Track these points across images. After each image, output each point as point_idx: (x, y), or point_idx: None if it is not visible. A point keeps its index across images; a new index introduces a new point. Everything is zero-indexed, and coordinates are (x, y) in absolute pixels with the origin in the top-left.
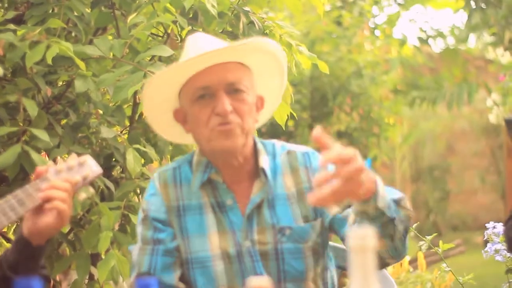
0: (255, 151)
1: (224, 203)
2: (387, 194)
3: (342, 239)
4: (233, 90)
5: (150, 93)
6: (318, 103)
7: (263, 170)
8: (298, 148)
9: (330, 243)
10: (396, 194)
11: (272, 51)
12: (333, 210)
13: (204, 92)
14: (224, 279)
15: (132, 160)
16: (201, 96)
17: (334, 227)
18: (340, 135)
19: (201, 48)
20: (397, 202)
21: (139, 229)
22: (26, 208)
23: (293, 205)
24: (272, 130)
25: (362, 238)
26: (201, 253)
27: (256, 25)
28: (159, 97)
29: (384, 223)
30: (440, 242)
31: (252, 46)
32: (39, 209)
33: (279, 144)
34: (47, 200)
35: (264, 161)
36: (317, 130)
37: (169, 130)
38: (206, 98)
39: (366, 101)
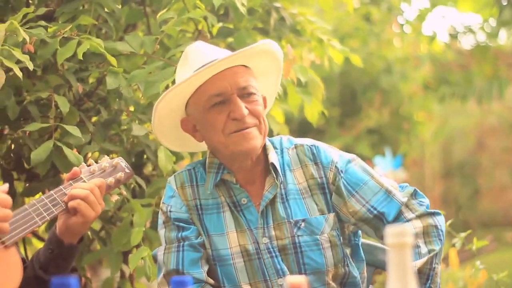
0: (264, 149)
1: (239, 202)
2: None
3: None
4: (246, 94)
5: (162, 107)
6: (347, 99)
7: (273, 165)
8: (305, 142)
9: (363, 240)
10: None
11: (274, 52)
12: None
13: (219, 99)
14: (245, 276)
15: (163, 157)
16: (217, 103)
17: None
18: (370, 132)
19: (206, 55)
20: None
21: (161, 233)
22: (60, 208)
23: (306, 199)
24: (301, 128)
25: (400, 235)
26: (221, 251)
27: (287, 21)
28: (166, 108)
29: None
30: (474, 239)
31: (257, 49)
32: (70, 208)
33: (285, 139)
34: (68, 200)
35: (273, 157)
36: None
37: (173, 140)
38: (220, 104)
39: (396, 97)
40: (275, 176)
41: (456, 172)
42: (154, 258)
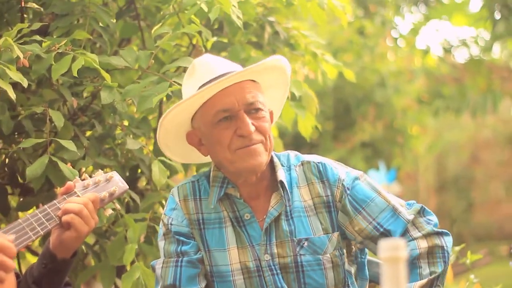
0: (272, 165)
1: (242, 218)
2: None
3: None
4: (253, 110)
5: (167, 120)
6: (341, 113)
7: (281, 183)
8: (312, 158)
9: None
10: (414, 278)
11: (283, 66)
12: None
13: (226, 114)
14: None
15: (157, 171)
16: (223, 118)
17: (368, 245)
18: (363, 145)
19: (214, 70)
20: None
21: (161, 244)
22: (54, 223)
23: (311, 217)
24: (295, 142)
25: (393, 249)
26: (221, 267)
27: (281, 35)
28: (174, 122)
29: None
30: (468, 253)
31: (267, 65)
32: (63, 223)
33: (293, 155)
34: (62, 214)
35: (281, 175)
36: None
37: (182, 153)
38: (227, 120)
39: (390, 111)
40: (282, 194)
41: (450, 186)
42: (153, 269)
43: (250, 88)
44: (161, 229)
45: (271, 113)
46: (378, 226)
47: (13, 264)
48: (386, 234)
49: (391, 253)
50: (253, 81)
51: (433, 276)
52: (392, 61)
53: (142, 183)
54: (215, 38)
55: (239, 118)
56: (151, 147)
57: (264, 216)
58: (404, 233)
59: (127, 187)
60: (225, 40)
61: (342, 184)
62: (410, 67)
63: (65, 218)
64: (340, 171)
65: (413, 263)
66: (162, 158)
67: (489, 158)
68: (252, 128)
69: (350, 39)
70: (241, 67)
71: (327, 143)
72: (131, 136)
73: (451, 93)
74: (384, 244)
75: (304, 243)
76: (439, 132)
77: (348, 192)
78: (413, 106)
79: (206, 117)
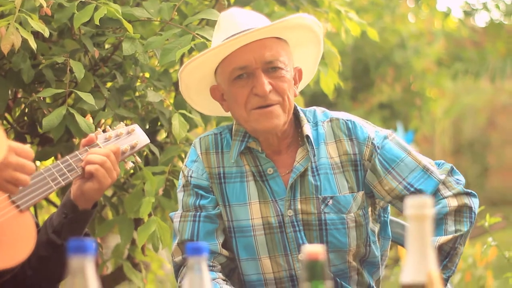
0: (297, 120)
1: (265, 172)
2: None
3: None
4: (271, 68)
5: (187, 74)
6: (360, 73)
7: (308, 138)
8: (341, 116)
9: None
10: (439, 233)
11: (309, 25)
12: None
13: (242, 72)
14: (265, 249)
15: (177, 125)
16: (239, 76)
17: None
18: (381, 106)
19: (238, 25)
20: (452, 253)
21: (180, 196)
22: (75, 174)
23: (337, 175)
24: (313, 100)
25: (420, 207)
26: (242, 222)
27: None
28: (196, 76)
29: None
30: (487, 215)
31: (290, 23)
32: (86, 174)
33: (320, 111)
34: (85, 165)
35: (307, 129)
36: None
37: (208, 105)
38: (244, 78)
39: (409, 72)
40: (309, 149)
41: (466, 150)
42: (171, 220)
43: (271, 46)
44: (180, 180)
45: (299, 71)
46: (409, 186)
47: (33, 165)
48: (417, 193)
49: (417, 211)
50: (278, 38)
51: (457, 234)
52: (413, 23)
53: (161, 136)
54: None
55: (255, 76)
56: (171, 100)
57: (288, 171)
58: (435, 193)
59: (149, 140)
60: None
61: (372, 143)
62: (431, 29)
63: (88, 168)
64: (370, 129)
65: (440, 220)
66: (183, 111)
67: (506, 123)
68: (268, 88)
69: (371, 0)
70: (268, 21)
71: (345, 103)
72: (151, 88)
73: (471, 56)
74: (410, 201)
75: (329, 201)
76: (457, 96)
77: (378, 151)
78: (432, 68)
79: (225, 74)
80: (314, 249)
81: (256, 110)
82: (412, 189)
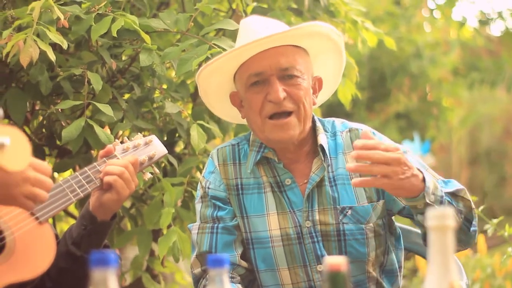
0: (314, 130)
1: (283, 183)
2: (440, 187)
3: (417, 224)
4: (287, 76)
5: (204, 79)
6: (376, 83)
7: (321, 148)
8: (360, 126)
9: (398, 224)
10: (454, 186)
11: (326, 33)
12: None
13: (257, 79)
14: (284, 260)
15: (196, 136)
16: (255, 82)
17: (407, 213)
18: (398, 116)
19: (255, 32)
20: (454, 194)
21: (197, 207)
22: (94, 185)
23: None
24: (328, 111)
25: (441, 218)
26: (260, 233)
27: (321, 2)
28: (214, 81)
29: None
30: (506, 225)
31: (305, 30)
32: (105, 185)
33: (339, 122)
34: (103, 176)
35: (323, 139)
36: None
37: (228, 112)
38: (259, 84)
39: (425, 82)
40: (322, 159)
41: (483, 159)
42: (190, 231)
43: (288, 53)
44: (198, 191)
45: (319, 80)
46: None
47: (51, 181)
48: None
49: (439, 222)
50: (296, 46)
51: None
52: (429, 32)
53: (179, 147)
54: (255, 4)
55: (270, 83)
56: (189, 111)
57: (305, 181)
58: None
59: (166, 151)
60: (265, 6)
61: None
62: (446, 39)
63: (106, 179)
64: (387, 141)
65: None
66: (201, 122)
67: None
68: (282, 95)
69: (387, 9)
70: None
71: (361, 113)
72: (169, 99)
73: (487, 66)
74: (432, 213)
75: (347, 212)
76: (473, 105)
77: None
78: (448, 78)
79: (242, 80)
80: (336, 260)
81: (271, 120)
82: None
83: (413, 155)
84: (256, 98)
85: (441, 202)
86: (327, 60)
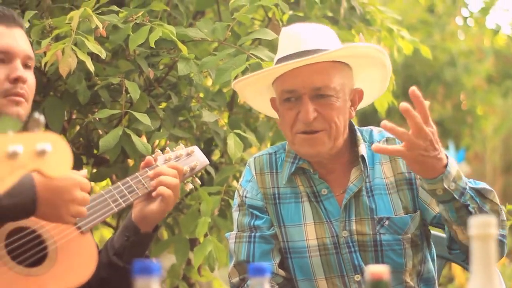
0: (352, 139)
1: (319, 193)
2: (465, 180)
3: (445, 225)
4: (319, 95)
5: (241, 88)
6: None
7: (362, 158)
8: None
9: (434, 232)
10: (483, 185)
11: (367, 53)
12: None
13: (290, 95)
14: (321, 270)
15: (233, 145)
16: (287, 98)
17: (437, 222)
18: None
19: (298, 43)
20: (482, 194)
21: (235, 215)
22: (136, 195)
23: (392, 195)
24: (362, 119)
25: (484, 227)
26: (297, 243)
27: (357, 10)
28: (251, 89)
29: (457, 208)
30: None
31: (350, 52)
32: (147, 196)
33: (376, 131)
34: (156, 186)
35: (363, 149)
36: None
37: (268, 107)
38: (292, 101)
39: (459, 90)
40: (363, 169)
41: None
42: (227, 240)
43: (323, 71)
44: (236, 200)
45: (359, 93)
46: None
47: (89, 198)
48: None
49: (482, 230)
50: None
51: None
52: (462, 40)
53: (216, 156)
54: (291, 12)
55: (302, 102)
56: (225, 120)
57: (342, 191)
58: None
59: (208, 162)
60: (301, 14)
61: None
62: (480, 47)
63: (161, 190)
64: None
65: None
66: (238, 131)
67: None
68: (312, 116)
69: (420, 18)
70: (334, 38)
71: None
72: (206, 108)
73: None
74: (474, 221)
75: (384, 222)
76: (507, 113)
77: None
78: (482, 86)
79: (277, 92)
80: (378, 269)
81: (301, 134)
82: None
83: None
84: (288, 114)
85: (462, 194)
86: (369, 70)
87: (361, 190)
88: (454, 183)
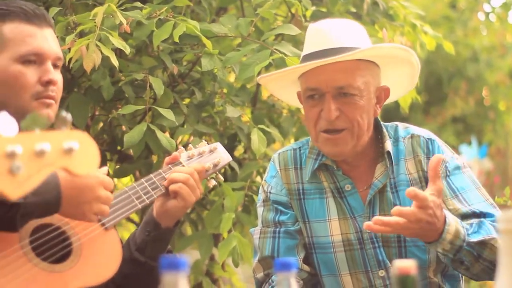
0: (377, 136)
1: (343, 189)
2: (464, 236)
3: None
4: (343, 94)
5: (265, 83)
6: (432, 87)
7: (388, 154)
8: (423, 133)
9: None
10: (487, 232)
11: (395, 54)
12: None
13: (313, 93)
14: (345, 265)
15: (257, 140)
16: (311, 95)
17: None
18: (454, 120)
19: (324, 41)
20: (482, 242)
21: (259, 211)
22: (159, 192)
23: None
24: (385, 115)
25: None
26: (321, 238)
27: (380, 6)
28: (276, 85)
29: (452, 260)
30: None
31: (371, 53)
32: (171, 193)
33: (402, 127)
34: (168, 185)
35: (389, 146)
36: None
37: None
38: (316, 98)
39: (482, 86)
40: (387, 165)
41: None
42: (252, 236)
43: (348, 70)
44: (260, 195)
45: (385, 90)
46: (474, 209)
47: (112, 197)
48: (481, 215)
49: (509, 225)
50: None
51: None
52: (485, 36)
53: (239, 151)
54: (314, 8)
55: (325, 100)
56: (249, 116)
57: (366, 187)
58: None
59: (231, 158)
60: (324, 10)
61: (445, 165)
62: (503, 42)
63: (172, 187)
64: (447, 153)
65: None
66: (262, 126)
67: None
68: (334, 115)
69: (442, 13)
70: (363, 35)
71: (418, 117)
72: (230, 104)
73: None
74: (501, 216)
75: None
76: None
77: (448, 175)
78: (505, 81)
79: (302, 88)
80: (405, 264)
81: (324, 134)
82: (477, 212)
83: (467, 171)
84: (312, 111)
85: (457, 251)
86: (399, 69)
87: (385, 186)
88: (451, 244)
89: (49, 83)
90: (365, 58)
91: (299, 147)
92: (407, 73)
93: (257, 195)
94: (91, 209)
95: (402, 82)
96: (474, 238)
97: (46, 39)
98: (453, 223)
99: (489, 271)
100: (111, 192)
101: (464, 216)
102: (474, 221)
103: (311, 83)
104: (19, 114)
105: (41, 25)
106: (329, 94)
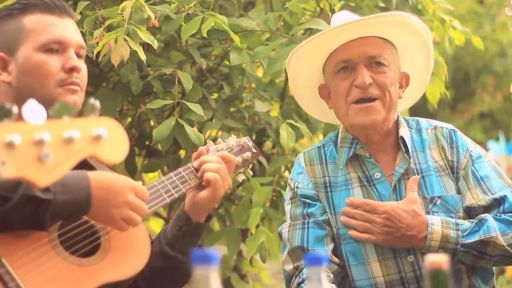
0: (398, 124)
1: (372, 177)
2: (454, 241)
3: None
4: (374, 63)
5: (294, 66)
6: (460, 83)
7: (402, 139)
8: (445, 125)
9: None
10: (483, 233)
11: (415, 27)
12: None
13: (345, 65)
14: (374, 253)
15: (285, 135)
16: (342, 68)
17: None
18: (482, 116)
19: (344, 21)
20: (483, 241)
21: (287, 208)
22: (188, 186)
23: (443, 176)
24: (412, 111)
25: None
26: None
27: (409, 0)
28: (303, 72)
29: (454, 261)
30: None
31: (392, 20)
32: (199, 186)
33: (424, 120)
34: (202, 174)
35: (404, 132)
36: None
37: (315, 107)
38: (347, 71)
39: (510, 81)
40: (404, 151)
41: None
42: (280, 235)
43: (376, 44)
44: (287, 194)
45: (406, 76)
46: (496, 196)
47: (146, 208)
48: (500, 200)
49: None
50: (385, 40)
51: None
52: None
53: (267, 146)
54: (342, 2)
55: (357, 69)
56: (277, 110)
57: (392, 172)
58: None
59: (260, 153)
60: (353, 4)
61: (470, 154)
62: None
63: (207, 176)
64: (469, 143)
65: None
66: (290, 121)
67: None
68: (368, 80)
69: (470, 8)
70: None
71: (445, 113)
72: (258, 99)
73: None
74: None
75: (437, 201)
76: None
77: (472, 162)
78: None
79: (330, 68)
80: (437, 258)
81: (356, 104)
82: (497, 197)
83: (489, 160)
84: (343, 84)
85: (454, 254)
86: (415, 58)
87: (408, 172)
88: (442, 249)
89: (72, 70)
90: (389, 35)
91: (323, 145)
92: (423, 65)
93: (285, 190)
94: (120, 214)
95: (417, 75)
96: (470, 239)
97: (67, 28)
98: (438, 229)
99: (504, 260)
100: (144, 201)
101: (486, 207)
102: (482, 216)
103: (342, 56)
104: (46, 103)
105: (61, 15)
106: (361, 64)
